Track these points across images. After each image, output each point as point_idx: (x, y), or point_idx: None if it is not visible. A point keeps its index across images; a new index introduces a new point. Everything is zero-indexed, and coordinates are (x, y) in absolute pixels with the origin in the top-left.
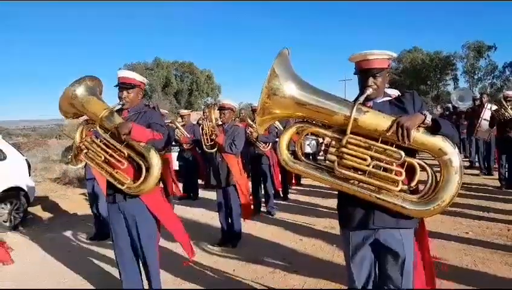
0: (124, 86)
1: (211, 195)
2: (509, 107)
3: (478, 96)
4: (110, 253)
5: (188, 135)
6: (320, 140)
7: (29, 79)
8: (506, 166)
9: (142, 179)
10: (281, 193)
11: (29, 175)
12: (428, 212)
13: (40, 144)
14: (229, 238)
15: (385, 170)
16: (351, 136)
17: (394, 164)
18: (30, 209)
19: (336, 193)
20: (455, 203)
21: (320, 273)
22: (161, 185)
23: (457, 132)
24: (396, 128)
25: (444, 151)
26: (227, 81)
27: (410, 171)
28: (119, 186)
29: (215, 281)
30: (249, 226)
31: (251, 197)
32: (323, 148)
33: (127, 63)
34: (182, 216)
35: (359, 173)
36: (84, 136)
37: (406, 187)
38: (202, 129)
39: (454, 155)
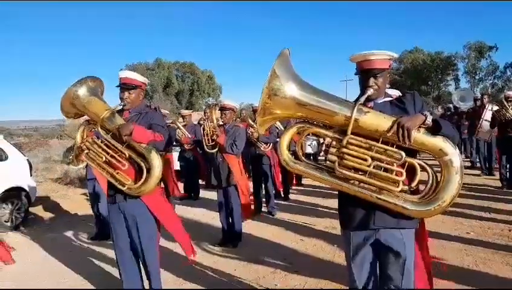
0: (125, 86)
1: (212, 195)
2: (510, 107)
3: (479, 96)
4: (110, 253)
5: (189, 136)
6: (321, 140)
7: (29, 79)
8: (507, 166)
9: (143, 180)
10: (281, 193)
11: (31, 175)
12: (429, 212)
13: (41, 144)
14: (230, 239)
15: (386, 170)
16: (352, 136)
17: (395, 164)
18: (31, 209)
19: (337, 193)
20: (456, 204)
21: (321, 274)
22: (162, 185)
23: (458, 133)
24: (397, 128)
25: (445, 152)
26: (227, 81)
27: (411, 172)
28: (120, 187)
29: (216, 281)
30: (250, 226)
31: (251, 198)
32: (323, 148)
33: (128, 63)
34: (183, 216)
35: (360, 173)
36: (85, 137)
37: (406, 188)
38: (203, 129)
39: (454, 156)
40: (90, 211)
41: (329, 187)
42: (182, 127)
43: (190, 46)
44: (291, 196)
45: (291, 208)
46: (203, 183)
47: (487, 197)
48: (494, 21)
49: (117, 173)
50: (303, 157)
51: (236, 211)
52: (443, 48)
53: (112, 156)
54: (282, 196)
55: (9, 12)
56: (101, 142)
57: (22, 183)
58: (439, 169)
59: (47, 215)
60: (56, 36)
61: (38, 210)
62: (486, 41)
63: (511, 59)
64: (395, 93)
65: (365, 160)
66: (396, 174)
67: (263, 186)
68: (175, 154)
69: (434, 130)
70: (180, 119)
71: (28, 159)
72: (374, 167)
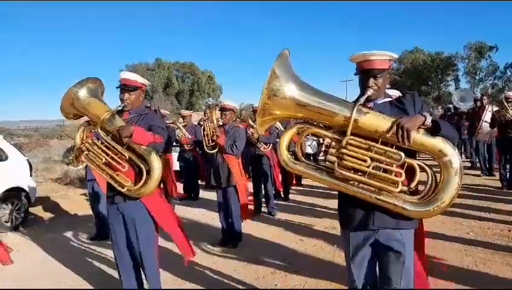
0: (125, 88)
1: (212, 195)
2: (511, 108)
3: (479, 97)
4: (110, 253)
5: (189, 136)
6: (321, 141)
7: (29, 79)
8: (507, 167)
9: (142, 182)
10: (281, 193)
11: (31, 175)
12: (428, 213)
13: (41, 145)
14: (230, 239)
15: (385, 171)
16: (351, 137)
17: (394, 165)
18: (31, 209)
19: (337, 193)
20: (456, 204)
21: (321, 274)
22: (161, 186)
23: (458, 133)
24: (397, 129)
25: (444, 153)
26: (227, 81)
27: (410, 173)
28: (120, 188)
29: (215, 282)
30: (250, 227)
31: (250, 198)
32: (323, 149)
33: (128, 63)
34: (182, 216)
35: (359, 174)
36: (85, 138)
37: (406, 188)
38: (203, 130)
39: (454, 156)
40: (90, 212)
41: (329, 187)
42: (182, 128)
43: (190, 46)
44: (291, 196)
45: (291, 208)
46: (203, 183)
47: (487, 197)
48: (494, 21)
49: (117, 175)
50: (303, 158)
51: (235, 212)
52: (443, 48)
53: (111, 158)
54: (282, 196)
55: (9, 12)
56: (101, 143)
57: (22, 183)
58: (439, 170)
59: (47, 215)
60: (56, 36)
61: (38, 210)
62: (487, 41)
63: (511, 59)
64: (395, 93)
65: (364, 161)
66: (395, 175)
67: (263, 186)
68: (174, 155)
69: (433, 131)
70: (180, 120)
71: (28, 160)
72: (373, 168)
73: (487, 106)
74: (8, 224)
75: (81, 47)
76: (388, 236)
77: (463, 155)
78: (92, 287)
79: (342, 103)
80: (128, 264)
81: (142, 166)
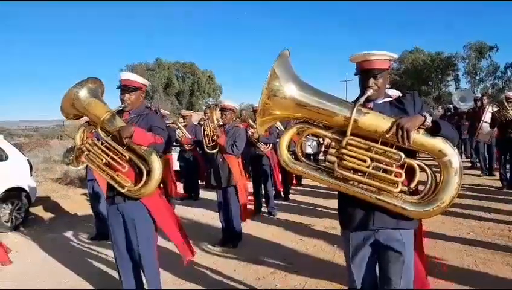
0: (126, 88)
1: (212, 195)
2: (511, 108)
3: (479, 97)
4: (110, 253)
5: (190, 136)
6: (321, 141)
7: (29, 79)
8: (507, 167)
9: (142, 182)
10: (282, 193)
11: (31, 175)
12: (428, 213)
13: (41, 145)
14: (230, 239)
15: (385, 171)
16: (351, 137)
17: (394, 165)
18: (31, 209)
19: (337, 193)
20: (456, 204)
21: (321, 274)
22: (161, 186)
23: (458, 133)
24: (396, 129)
25: (444, 153)
26: (228, 81)
27: (410, 173)
28: (120, 189)
29: (215, 281)
30: (250, 227)
31: (250, 198)
32: (323, 149)
33: (129, 63)
34: (182, 216)
35: (359, 174)
36: (85, 138)
37: (405, 188)
38: (204, 130)
39: (454, 156)
40: (90, 212)
41: (329, 187)
42: (182, 128)
43: (190, 46)
44: (291, 196)
45: (291, 208)
46: (203, 183)
47: (487, 197)
48: (494, 21)
49: (117, 175)
50: (303, 158)
51: (235, 212)
52: (443, 48)
53: (111, 158)
54: (282, 196)
55: (9, 12)
56: (101, 144)
57: (22, 183)
58: (439, 170)
59: (47, 215)
60: (56, 36)
61: (38, 210)
62: (487, 41)
63: (511, 59)
64: (395, 93)
65: (364, 161)
66: (395, 175)
67: (263, 186)
68: (174, 155)
69: (433, 131)
70: (181, 120)
71: (28, 159)
72: (373, 168)
73: (487, 107)
74: (8, 224)
75: (81, 47)
76: (388, 236)
77: (463, 155)
78: (92, 287)
79: (341, 103)
80: (128, 264)
81: (142, 167)
